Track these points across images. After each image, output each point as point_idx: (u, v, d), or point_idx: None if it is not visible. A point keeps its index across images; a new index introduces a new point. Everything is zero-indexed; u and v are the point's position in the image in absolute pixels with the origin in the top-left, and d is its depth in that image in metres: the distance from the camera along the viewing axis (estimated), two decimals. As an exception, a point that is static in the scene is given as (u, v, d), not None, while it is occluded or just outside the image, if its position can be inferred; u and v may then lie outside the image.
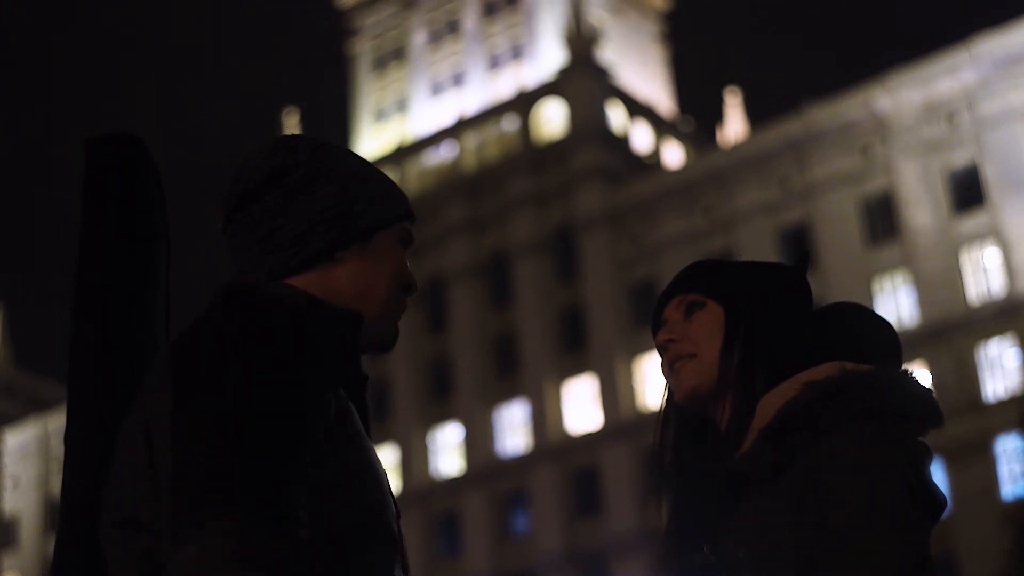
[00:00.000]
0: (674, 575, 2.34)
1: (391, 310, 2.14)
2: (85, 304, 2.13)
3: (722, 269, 2.48)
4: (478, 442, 61.78)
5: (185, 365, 1.92)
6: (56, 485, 65.40)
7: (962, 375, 50.50)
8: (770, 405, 2.30)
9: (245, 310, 1.99)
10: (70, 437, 2.10)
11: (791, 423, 2.25)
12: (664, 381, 2.48)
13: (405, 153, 69.84)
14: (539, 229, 63.43)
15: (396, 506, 2.05)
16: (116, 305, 2.11)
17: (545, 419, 60.23)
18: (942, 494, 2.26)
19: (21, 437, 73.82)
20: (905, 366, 2.46)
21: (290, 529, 1.83)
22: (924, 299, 52.84)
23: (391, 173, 69.30)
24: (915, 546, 2.16)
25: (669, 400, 2.49)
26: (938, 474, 49.04)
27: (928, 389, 2.33)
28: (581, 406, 60.19)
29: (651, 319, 2.50)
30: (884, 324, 2.61)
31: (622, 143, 65.89)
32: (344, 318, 2.06)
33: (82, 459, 2.07)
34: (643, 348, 58.63)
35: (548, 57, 69.72)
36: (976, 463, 49.05)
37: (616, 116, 67.03)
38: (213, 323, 1.97)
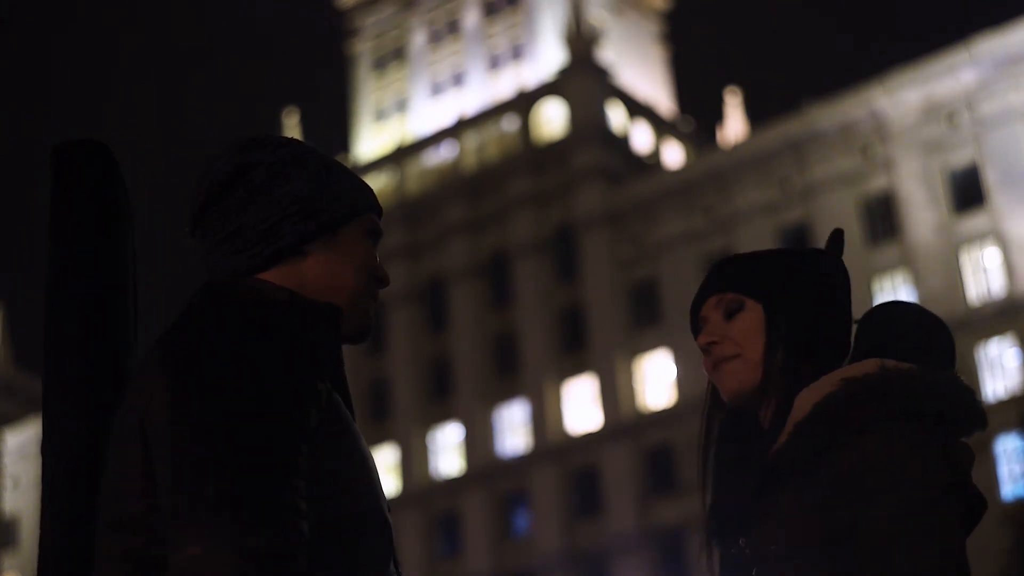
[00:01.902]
0: (712, 567, 2.35)
1: (361, 301, 2.16)
2: (58, 310, 2.14)
3: (758, 265, 2.44)
4: (478, 442, 61.77)
5: (176, 361, 1.92)
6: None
7: (962, 375, 50.32)
8: (807, 400, 2.28)
9: (229, 306, 2.00)
10: (49, 444, 2.10)
11: (826, 419, 2.23)
12: (707, 377, 2.46)
13: (405, 153, 69.82)
14: (539, 229, 63.42)
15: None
16: (89, 310, 2.12)
17: (545, 419, 60.22)
18: (982, 496, 2.25)
19: (21, 437, 73.84)
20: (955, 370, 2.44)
21: (293, 522, 1.84)
22: (924, 299, 52.82)
23: (391, 173, 69.34)
24: (949, 550, 2.14)
25: (712, 394, 2.48)
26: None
27: (971, 391, 2.32)
28: (581, 406, 60.18)
29: (690, 318, 2.48)
30: (937, 323, 2.59)
31: (622, 143, 65.88)
32: (325, 311, 2.07)
33: (65, 465, 2.07)
34: (643, 348, 58.65)
35: (548, 57, 69.71)
36: (976, 463, 48.94)
37: (616, 116, 67.02)
38: (200, 320, 1.98)
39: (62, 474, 2.08)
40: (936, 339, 2.56)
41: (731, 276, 2.43)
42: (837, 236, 2.53)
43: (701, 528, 2.40)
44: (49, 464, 2.10)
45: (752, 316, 2.38)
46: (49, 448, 2.10)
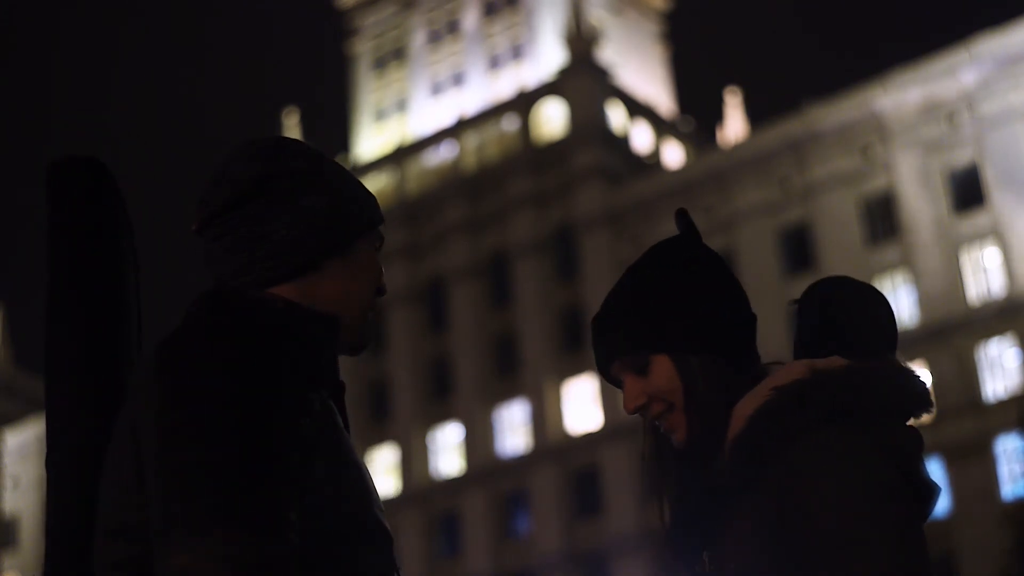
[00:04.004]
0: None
1: (367, 314, 2.16)
2: (59, 322, 2.14)
3: (633, 315, 2.33)
4: (478, 442, 61.77)
5: (169, 369, 1.92)
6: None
7: (962, 375, 50.49)
8: (741, 413, 2.26)
9: (225, 314, 2.00)
10: (53, 455, 2.11)
11: (759, 431, 2.20)
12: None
13: (405, 153, 69.82)
14: (539, 229, 63.42)
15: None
16: (89, 322, 2.13)
17: (545, 419, 60.22)
18: (932, 483, 2.22)
19: (21, 437, 73.82)
20: (895, 354, 2.42)
21: (281, 532, 1.84)
22: (924, 299, 52.84)
23: (391, 173, 69.36)
24: (901, 548, 2.11)
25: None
26: (938, 474, 48.97)
27: (910, 375, 2.27)
28: (581, 406, 60.19)
29: (600, 374, 2.42)
30: (875, 298, 2.56)
31: (622, 143, 65.87)
32: (322, 320, 2.07)
33: (70, 475, 2.08)
34: (643, 348, 58.65)
35: (548, 57, 69.70)
36: (976, 463, 49.03)
37: (616, 116, 67.01)
38: (194, 328, 1.97)
39: (67, 484, 2.08)
40: (875, 316, 2.54)
41: (615, 340, 2.35)
42: (682, 218, 2.46)
43: (666, 545, 2.36)
44: (54, 475, 2.10)
45: (662, 368, 2.32)
46: (53, 460, 2.10)
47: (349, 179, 2.18)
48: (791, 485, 2.15)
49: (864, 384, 2.23)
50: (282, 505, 1.85)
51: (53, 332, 2.14)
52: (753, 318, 2.35)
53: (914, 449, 2.22)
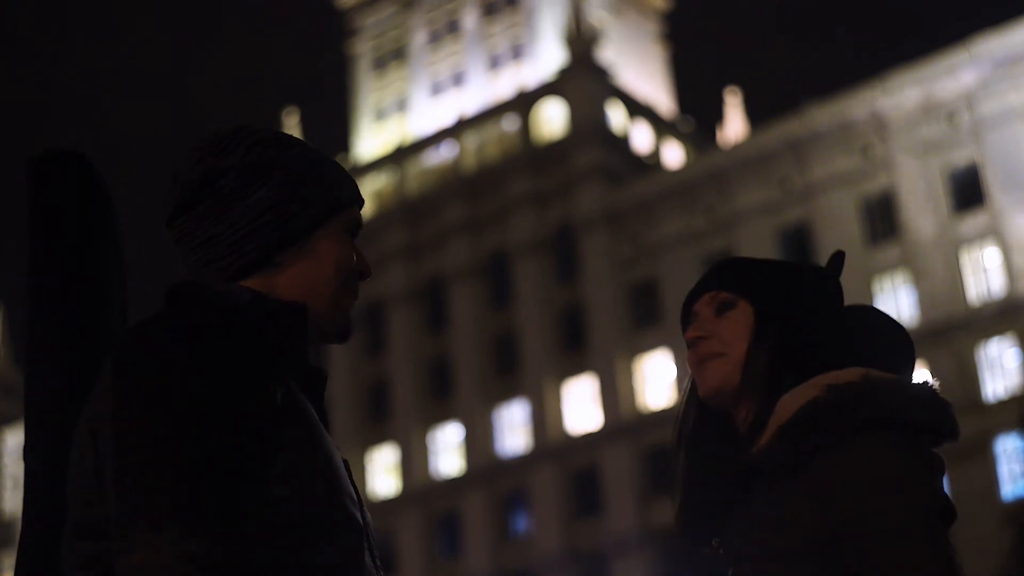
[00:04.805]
0: (685, 565, 2.34)
1: (339, 303, 2.12)
2: (41, 322, 2.12)
3: (755, 269, 2.44)
4: (478, 442, 61.77)
5: (124, 364, 1.91)
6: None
7: (962, 375, 50.48)
8: (790, 404, 2.28)
9: (186, 310, 1.98)
10: (30, 450, 2.09)
11: (811, 424, 2.22)
12: (689, 374, 2.45)
13: (405, 153, 69.82)
14: (539, 229, 63.43)
15: (358, 495, 2.04)
16: (70, 315, 2.11)
17: (545, 419, 60.23)
18: (953, 505, 2.25)
19: (21, 437, 73.83)
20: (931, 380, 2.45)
21: (238, 526, 1.83)
22: (924, 299, 52.85)
23: (391, 173, 69.31)
24: (949, 560, 2.15)
25: (691, 393, 2.46)
26: (938, 474, 49.05)
27: (947, 403, 2.33)
28: (581, 406, 60.19)
29: (681, 312, 2.48)
30: (900, 329, 2.60)
31: (622, 143, 65.88)
32: (288, 309, 2.05)
33: (46, 469, 2.06)
34: (643, 348, 58.64)
35: (548, 57, 69.71)
36: (976, 463, 49.03)
37: (616, 116, 67.02)
38: (152, 321, 1.96)
39: (39, 477, 2.07)
40: (900, 344, 2.57)
41: (728, 275, 2.42)
42: (838, 258, 2.52)
43: (676, 526, 2.38)
44: (31, 469, 2.09)
45: (742, 316, 2.38)
46: (30, 452, 2.09)
47: (312, 166, 2.12)
48: (843, 480, 2.17)
49: (913, 400, 2.27)
50: (237, 499, 1.84)
51: (34, 324, 2.12)
52: (833, 363, 2.34)
53: (942, 472, 2.28)
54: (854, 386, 2.24)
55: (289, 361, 2.01)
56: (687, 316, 2.45)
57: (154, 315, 1.98)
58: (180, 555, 1.78)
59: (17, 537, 2.14)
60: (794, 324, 2.36)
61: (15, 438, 74.44)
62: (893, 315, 53.86)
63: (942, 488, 2.24)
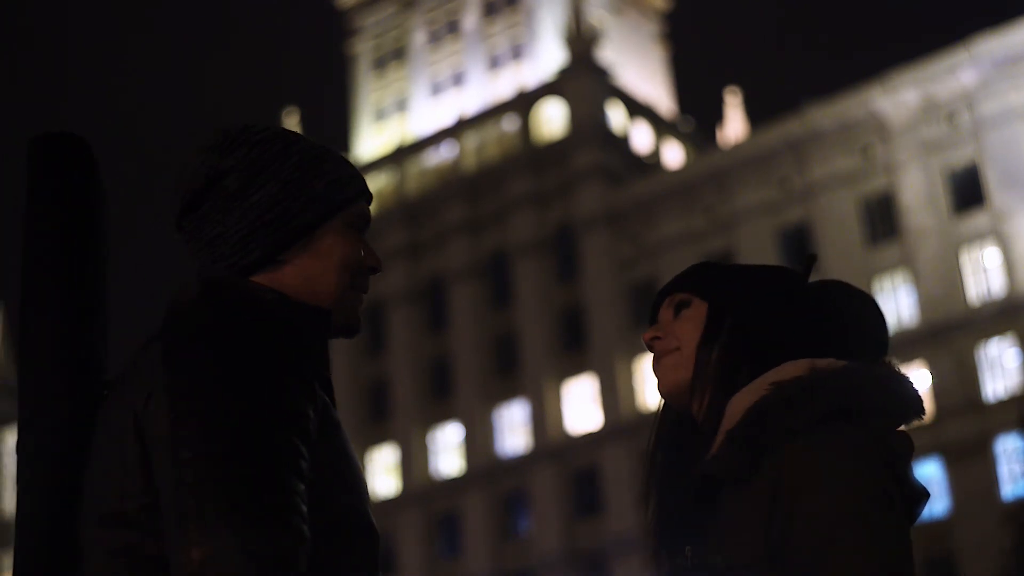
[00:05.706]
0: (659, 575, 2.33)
1: (346, 299, 2.13)
2: (34, 305, 2.12)
3: (715, 270, 2.45)
4: (478, 442, 61.77)
5: (178, 362, 1.91)
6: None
7: (962, 375, 50.47)
8: (738, 405, 2.25)
9: (225, 305, 1.99)
10: (26, 442, 2.09)
11: (757, 425, 2.19)
12: (655, 379, 2.45)
13: (405, 153, 69.82)
14: (539, 229, 63.43)
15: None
16: (65, 304, 2.10)
17: (545, 419, 60.23)
18: (921, 487, 2.21)
19: (21, 437, 73.95)
20: (889, 357, 2.41)
21: (296, 525, 1.84)
22: (924, 299, 52.84)
23: (391, 173, 69.29)
24: (888, 553, 2.10)
25: (665, 403, 2.46)
26: (938, 474, 49.01)
27: (906, 380, 2.28)
28: (581, 406, 60.19)
29: (648, 319, 2.48)
30: (870, 309, 2.58)
31: (622, 143, 65.88)
32: (314, 313, 2.06)
33: (44, 460, 2.06)
34: (643, 348, 58.37)
35: (548, 57, 69.71)
36: (976, 463, 49.02)
37: (616, 116, 67.02)
38: (198, 317, 1.96)
39: (39, 473, 2.07)
40: (872, 331, 2.55)
41: (685, 277, 2.45)
42: (810, 260, 2.52)
43: (648, 536, 2.37)
44: (24, 463, 2.09)
45: (696, 313, 2.38)
46: (24, 447, 2.10)
47: (315, 164, 2.13)
48: (785, 481, 2.14)
49: (862, 386, 2.23)
50: (295, 497, 1.86)
51: (27, 310, 2.12)
52: (793, 350, 2.32)
53: (905, 453, 2.21)
54: (800, 380, 2.22)
55: (320, 362, 2.04)
56: (653, 322, 2.46)
57: (196, 310, 1.98)
58: (240, 551, 1.79)
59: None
60: (749, 319, 2.34)
61: (15, 438, 74.47)
62: (893, 315, 53.57)
63: (904, 472, 2.18)
